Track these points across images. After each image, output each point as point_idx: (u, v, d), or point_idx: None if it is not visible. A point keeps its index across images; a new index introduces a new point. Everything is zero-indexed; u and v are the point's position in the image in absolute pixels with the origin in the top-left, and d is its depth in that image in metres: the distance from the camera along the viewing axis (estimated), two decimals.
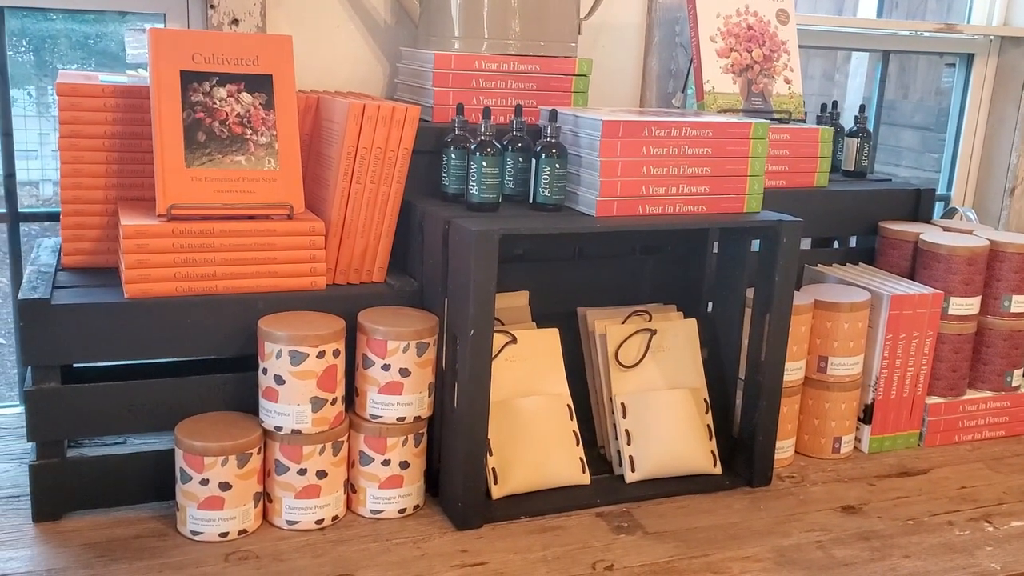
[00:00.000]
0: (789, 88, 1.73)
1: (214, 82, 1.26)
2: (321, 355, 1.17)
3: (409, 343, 1.21)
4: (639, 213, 1.30)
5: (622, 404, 1.37)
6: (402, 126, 1.29)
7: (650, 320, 1.44)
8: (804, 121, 1.75)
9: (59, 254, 1.33)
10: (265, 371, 1.18)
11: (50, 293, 1.17)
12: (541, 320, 1.44)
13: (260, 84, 1.28)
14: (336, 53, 1.60)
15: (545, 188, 1.30)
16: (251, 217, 1.25)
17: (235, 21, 1.50)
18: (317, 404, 1.18)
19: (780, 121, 1.69)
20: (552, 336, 1.38)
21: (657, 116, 1.33)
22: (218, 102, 1.26)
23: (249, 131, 1.27)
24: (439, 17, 1.50)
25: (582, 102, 1.54)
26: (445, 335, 1.25)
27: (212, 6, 1.48)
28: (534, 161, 1.31)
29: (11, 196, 1.54)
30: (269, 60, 1.29)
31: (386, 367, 1.21)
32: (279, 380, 1.17)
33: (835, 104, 1.83)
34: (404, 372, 1.21)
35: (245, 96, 1.27)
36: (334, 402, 1.20)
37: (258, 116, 1.27)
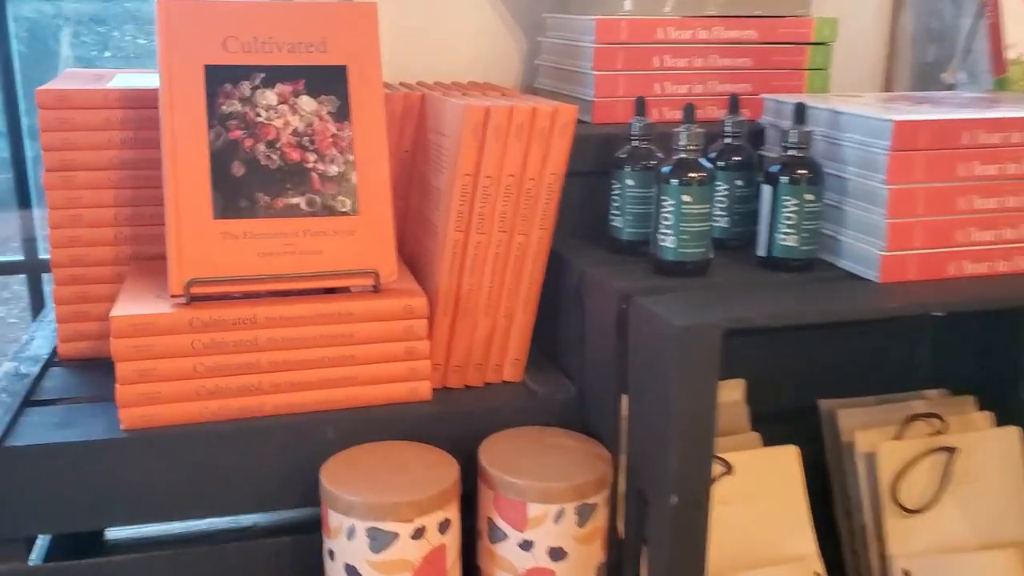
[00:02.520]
0: None
1: (258, 81, 0.81)
2: (419, 533, 0.70)
3: (564, 507, 0.73)
4: (951, 275, 0.77)
5: (905, 572, 0.85)
6: (548, 138, 0.80)
7: (942, 428, 0.91)
8: None
9: None
10: (332, 554, 0.73)
11: (9, 420, 0.76)
12: (762, 422, 0.93)
13: (329, 81, 0.82)
14: (451, 27, 1.13)
15: (788, 233, 0.79)
16: (315, 292, 0.80)
17: None
18: None
19: None
20: (788, 459, 0.88)
21: (976, 109, 0.80)
22: (264, 112, 0.81)
23: (313, 157, 0.81)
24: None
25: (820, 85, 1.02)
26: (625, 483, 0.76)
27: None
28: (767, 189, 0.80)
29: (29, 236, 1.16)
30: (342, 43, 0.83)
31: (526, 544, 0.74)
32: (353, 573, 0.71)
33: None
34: (557, 553, 0.74)
35: (306, 101, 0.82)
36: None
37: (326, 133, 0.82)
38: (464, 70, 1.14)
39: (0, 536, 0.74)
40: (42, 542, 0.81)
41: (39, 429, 0.76)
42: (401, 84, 1.04)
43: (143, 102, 0.86)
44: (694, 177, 0.77)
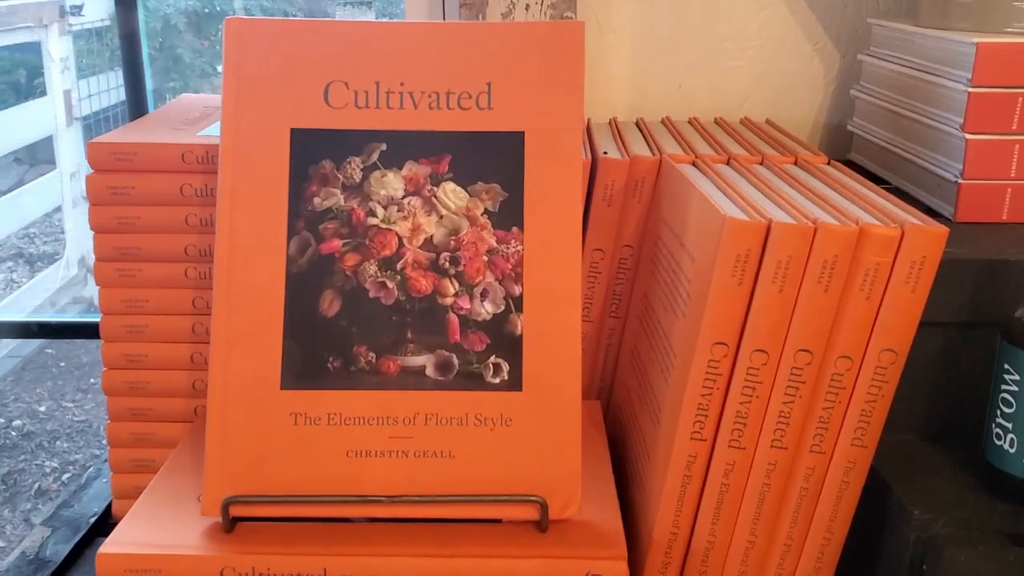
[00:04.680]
0: None
1: (375, 157, 0.48)
2: None
3: None
4: None
5: None
6: (884, 284, 0.42)
7: None
8: None
9: None
10: None
11: None
12: None
13: (492, 158, 0.48)
14: (720, 34, 0.76)
15: None
16: (437, 522, 0.47)
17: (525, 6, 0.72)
18: None
19: None
20: None
21: None
22: (382, 210, 0.48)
23: (453, 287, 0.48)
24: None
25: None
26: None
27: None
28: None
29: None
30: (520, 92, 0.48)
31: None
32: None
33: None
34: None
35: (451, 192, 0.48)
36: None
37: (480, 247, 0.48)
38: (737, 97, 0.76)
39: None
40: None
41: None
42: (639, 123, 0.68)
43: None
44: None
